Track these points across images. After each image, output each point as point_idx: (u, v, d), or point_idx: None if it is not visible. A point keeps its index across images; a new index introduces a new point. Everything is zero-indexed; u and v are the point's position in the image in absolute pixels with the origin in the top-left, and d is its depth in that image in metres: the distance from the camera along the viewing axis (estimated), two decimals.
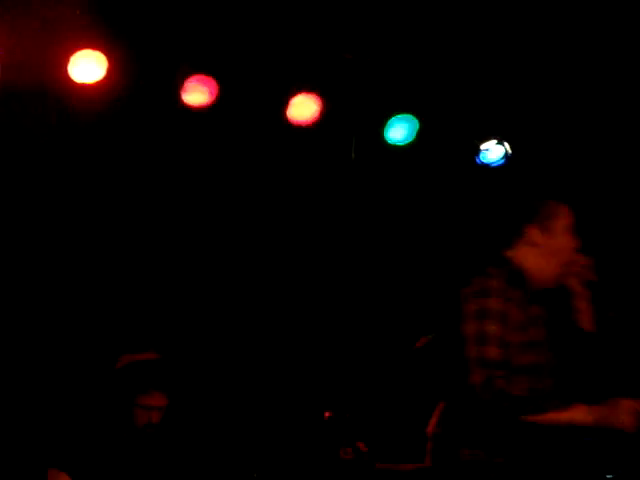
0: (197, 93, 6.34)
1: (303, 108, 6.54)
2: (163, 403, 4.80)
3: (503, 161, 6.92)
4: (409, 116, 6.69)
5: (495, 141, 6.87)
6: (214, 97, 6.36)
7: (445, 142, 6.88)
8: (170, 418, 4.90)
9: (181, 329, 7.09)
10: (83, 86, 6.09)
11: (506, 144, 6.88)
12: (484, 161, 6.94)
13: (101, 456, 4.76)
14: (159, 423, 4.79)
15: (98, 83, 6.09)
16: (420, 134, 6.73)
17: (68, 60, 6.01)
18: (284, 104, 6.52)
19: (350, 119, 6.74)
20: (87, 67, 6.03)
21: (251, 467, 6.33)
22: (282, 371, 7.37)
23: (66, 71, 6.03)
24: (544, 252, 4.26)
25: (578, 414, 4.12)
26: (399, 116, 6.69)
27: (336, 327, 7.46)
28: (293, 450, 6.96)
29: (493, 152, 6.91)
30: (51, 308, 6.77)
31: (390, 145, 6.77)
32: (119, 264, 6.94)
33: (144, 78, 6.26)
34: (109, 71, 6.06)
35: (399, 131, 6.73)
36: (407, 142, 6.76)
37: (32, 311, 6.70)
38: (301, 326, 7.36)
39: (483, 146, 6.89)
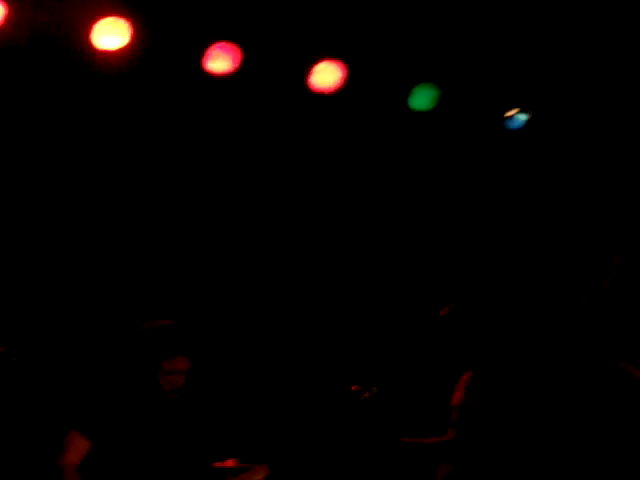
0: (220, 60, 6.36)
1: (326, 75, 6.54)
2: (186, 367, 4.81)
3: (524, 127, 6.94)
4: (431, 84, 6.70)
5: (518, 108, 6.88)
6: (237, 64, 6.37)
7: (468, 109, 6.87)
8: (194, 383, 4.92)
9: (203, 295, 7.13)
10: (107, 53, 6.12)
11: (529, 111, 6.88)
12: (508, 127, 6.95)
13: (125, 422, 4.79)
14: (183, 387, 4.81)
15: (121, 50, 6.12)
16: (443, 101, 6.72)
17: (92, 28, 6.04)
18: (307, 71, 6.52)
19: (374, 86, 6.72)
20: (111, 34, 6.06)
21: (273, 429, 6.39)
22: (306, 341, 7.40)
23: (90, 39, 6.06)
24: None
25: None
26: (422, 84, 6.69)
27: (359, 298, 7.48)
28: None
29: (516, 118, 6.91)
30: (73, 277, 6.83)
31: (413, 112, 6.77)
32: (137, 234, 6.98)
33: (167, 46, 6.27)
34: (132, 38, 6.08)
35: (422, 98, 6.73)
36: (430, 108, 6.77)
37: (54, 280, 6.75)
38: (324, 293, 7.38)
39: (507, 113, 6.90)
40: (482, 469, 5.84)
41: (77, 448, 4.73)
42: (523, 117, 6.93)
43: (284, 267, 7.34)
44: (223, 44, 6.32)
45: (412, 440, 5.91)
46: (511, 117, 6.92)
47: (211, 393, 6.35)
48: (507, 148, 7.17)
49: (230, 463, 5.12)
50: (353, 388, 6.13)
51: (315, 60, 6.49)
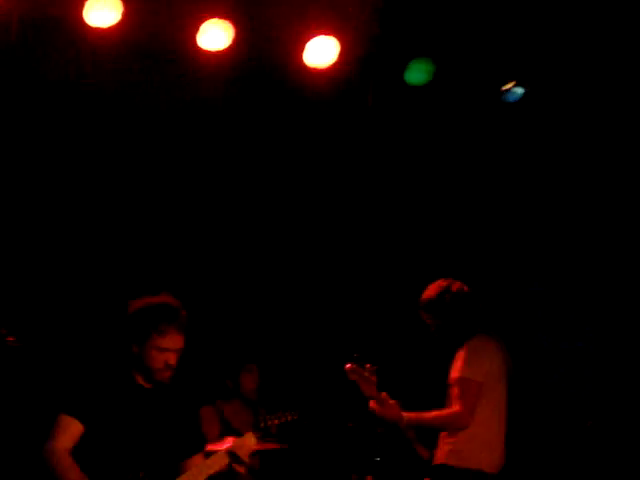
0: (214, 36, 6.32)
1: (320, 51, 6.48)
2: (180, 345, 4.75)
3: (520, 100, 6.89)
4: (427, 59, 6.64)
5: (514, 81, 6.82)
6: (231, 41, 6.32)
7: (464, 83, 6.82)
8: (187, 361, 4.89)
9: (197, 271, 7.15)
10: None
11: (524, 84, 6.83)
12: (504, 101, 6.90)
13: (116, 402, 4.74)
14: (176, 365, 4.78)
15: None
16: (438, 75, 6.68)
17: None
18: (301, 47, 6.46)
19: (368, 62, 6.67)
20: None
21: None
22: (302, 314, 7.42)
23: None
24: None
25: None
26: (417, 59, 6.64)
27: (357, 269, 7.51)
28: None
29: (512, 92, 6.86)
30: (65, 254, 6.84)
31: (409, 86, 6.72)
32: (140, 208, 7.01)
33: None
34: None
35: (418, 72, 6.68)
36: (425, 82, 6.71)
37: (45, 255, 6.77)
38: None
39: (503, 87, 6.85)
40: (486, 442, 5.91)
41: (69, 431, 4.66)
42: (520, 91, 6.87)
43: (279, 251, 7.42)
44: (217, 20, 6.28)
45: (417, 415, 5.93)
46: (508, 90, 6.87)
47: (203, 372, 6.38)
48: (503, 122, 7.13)
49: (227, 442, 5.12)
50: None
51: (309, 36, 6.43)
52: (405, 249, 7.64)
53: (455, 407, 5.79)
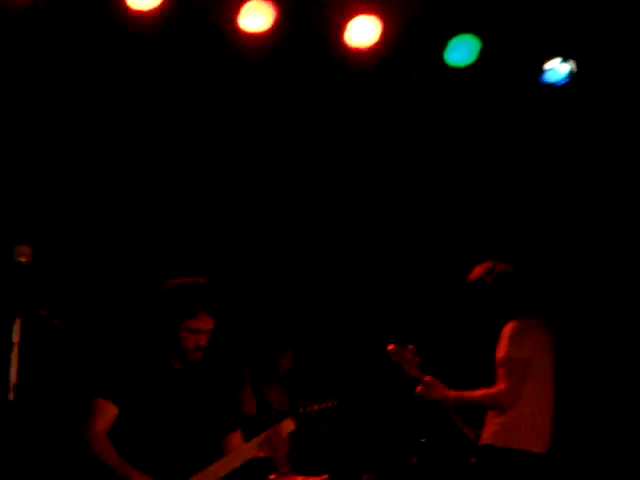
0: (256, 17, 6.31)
1: (362, 31, 6.44)
2: (210, 326, 4.77)
3: (568, 80, 6.73)
4: (470, 36, 6.54)
5: (560, 59, 6.69)
6: (273, 22, 6.31)
7: (508, 62, 6.72)
8: (217, 343, 4.91)
9: (234, 253, 7.17)
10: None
11: (571, 62, 6.69)
12: (548, 81, 6.77)
13: (148, 382, 4.78)
14: (206, 347, 4.80)
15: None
16: (482, 54, 6.58)
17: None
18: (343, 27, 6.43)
19: (410, 41, 6.61)
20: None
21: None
22: (343, 294, 7.42)
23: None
24: None
25: None
26: (460, 37, 6.55)
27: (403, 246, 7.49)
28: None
29: (558, 71, 6.72)
30: (103, 235, 6.89)
31: (451, 67, 6.64)
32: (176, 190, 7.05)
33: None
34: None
35: (460, 52, 6.59)
36: (468, 63, 6.63)
37: (83, 237, 6.82)
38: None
39: (547, 65, 6.71)
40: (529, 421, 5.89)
41: (105, 414, 4.71)
42: (566, 68, 6.74)
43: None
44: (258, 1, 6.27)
45: (463, 394, 5.94)
46: (551, 69, 6.72)
47: (234, 353, 6.40)
48: (547, 105, 7.02)
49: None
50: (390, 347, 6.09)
51: (351, 16, 6.40)
52: (452, 230, 7.59)
53: (501, 385, 5.82)
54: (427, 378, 5.97)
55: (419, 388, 5.95)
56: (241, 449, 4.88)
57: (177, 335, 4.78)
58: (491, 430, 5.89)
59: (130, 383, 4.75)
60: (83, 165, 6.84)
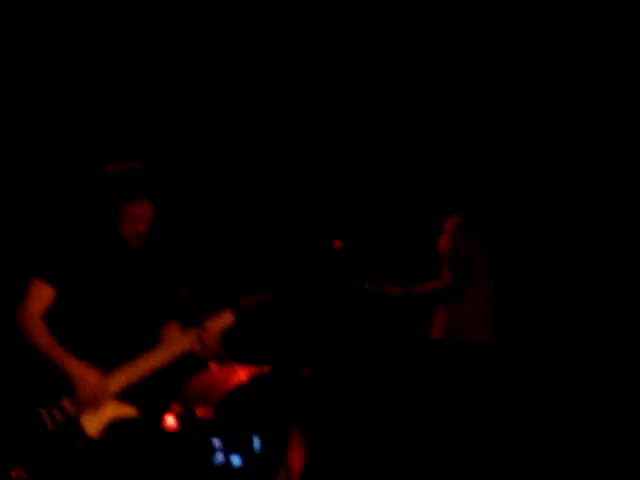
0: None
1: None
2: (150, 213, 4.70)
3: None
4: None
5: None
6: None
7: None
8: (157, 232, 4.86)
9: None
10: None
11: None
12: None
13: (87, 266, 4.71)
14: (145, 235, 4.75)
15: None
16: None
17: None
18: None
19: None
20: None
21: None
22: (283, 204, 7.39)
23: None
24: None
25: None
26: None
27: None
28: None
29: None
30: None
31: None
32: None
33: None
34: None
35: None
36: None
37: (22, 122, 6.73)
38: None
39: None
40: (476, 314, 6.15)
41: (41, 296, 4.64)
42: None
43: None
44: None
45: (411, 288, 6.21)
46: None
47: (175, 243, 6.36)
48: None
49: None
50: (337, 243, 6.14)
51: None
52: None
53: (446, 277, 6.12)
54: (375, 275, 6.25)
55: (367, 284, 6.22)
56: (176, 338, 4.85)
57: (116, 221, 4.71)
58: (440, 325, 6.21)
59: (68, 266, 4.67)
60: None
